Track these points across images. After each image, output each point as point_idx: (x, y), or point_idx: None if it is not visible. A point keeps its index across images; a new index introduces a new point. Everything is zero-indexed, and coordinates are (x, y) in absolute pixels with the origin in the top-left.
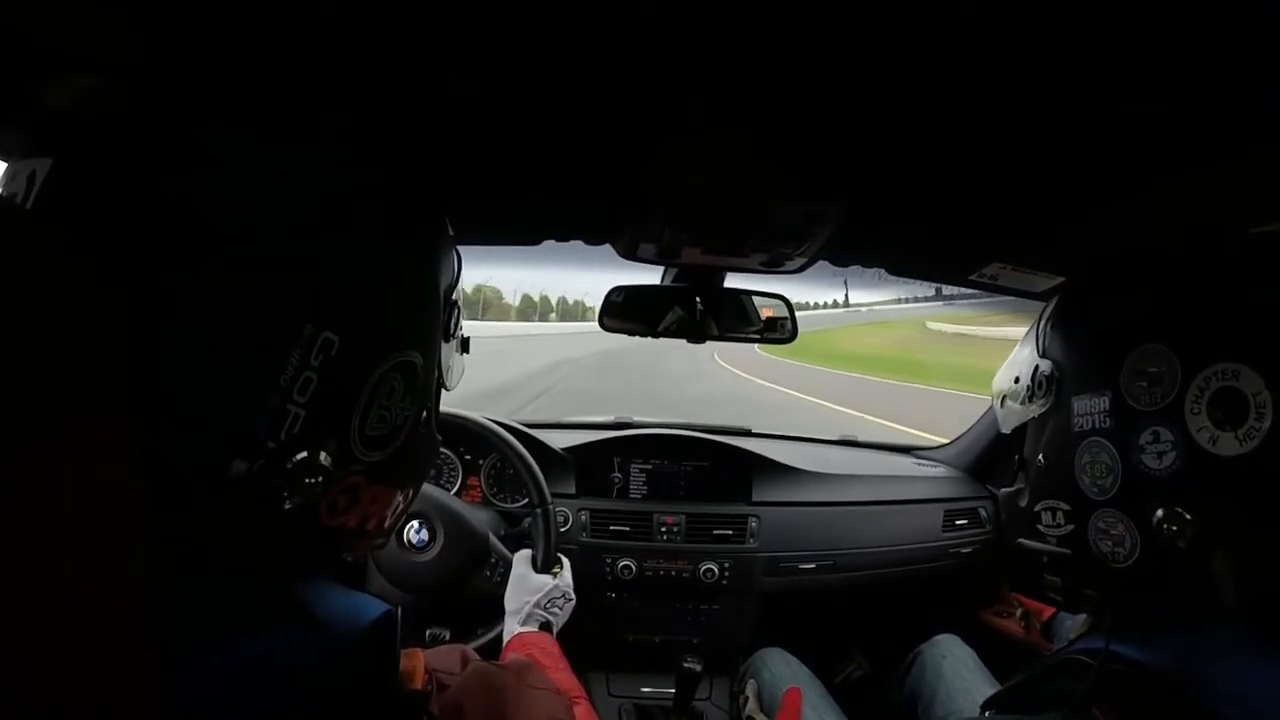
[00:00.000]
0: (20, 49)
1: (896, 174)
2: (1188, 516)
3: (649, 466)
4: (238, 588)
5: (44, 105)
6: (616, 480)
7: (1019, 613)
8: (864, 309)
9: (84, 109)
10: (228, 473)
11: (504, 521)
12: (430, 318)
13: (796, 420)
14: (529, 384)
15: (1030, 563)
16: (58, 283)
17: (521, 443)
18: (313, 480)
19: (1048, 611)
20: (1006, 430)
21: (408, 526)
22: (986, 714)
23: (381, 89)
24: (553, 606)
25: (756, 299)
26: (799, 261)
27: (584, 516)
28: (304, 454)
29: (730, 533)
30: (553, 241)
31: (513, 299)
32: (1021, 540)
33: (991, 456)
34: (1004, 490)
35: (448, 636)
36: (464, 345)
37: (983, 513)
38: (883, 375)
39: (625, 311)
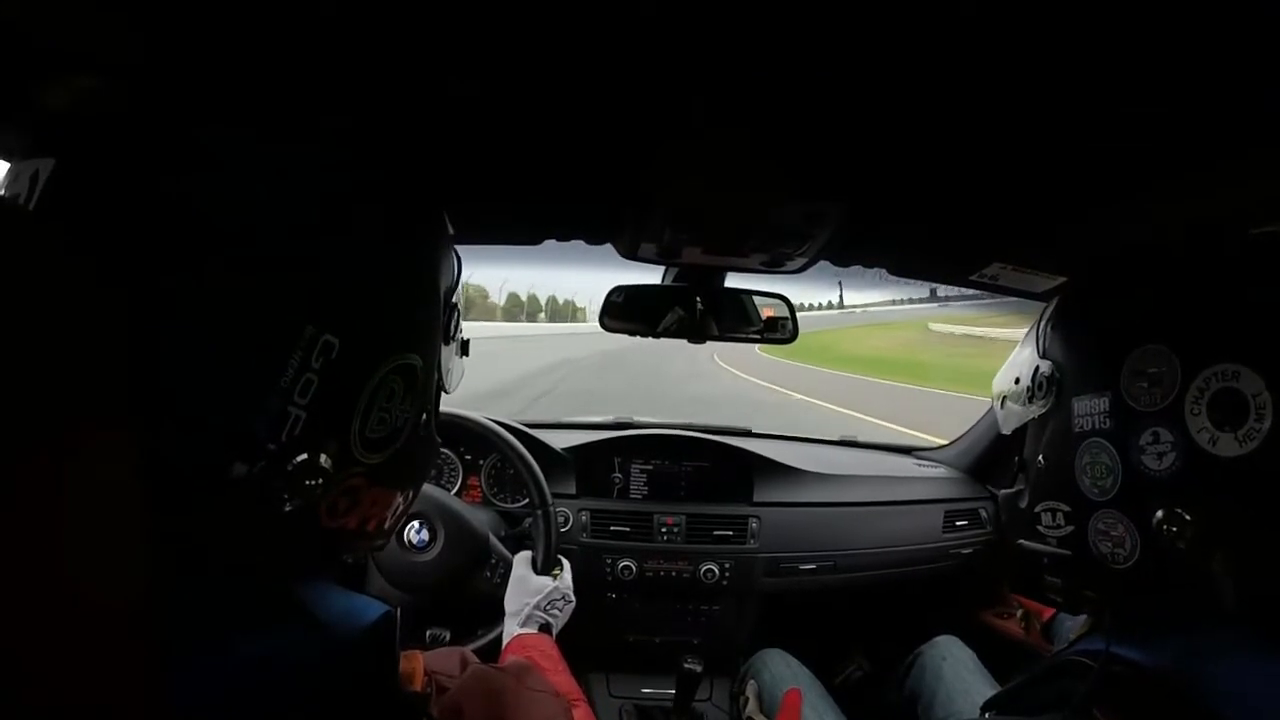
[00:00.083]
0: (20, 49)
1: (897, 174)
2: (1188, 517)
3: (649, 467)
4: (238, 588)
5: (45, 105)
6: (617, 480)
7: (1019, 614)
8: (858, 310)
9: (84, 109)
10: (228, 474)
11: (504, 522)
12: (430, 320)
13: (798, 420)
14: (524, 387)
15: (1030, 564)
16: (59, 283)
17: (522, 443)
18: (313, 482)
19: (1048, 612)
20: (1007, 431)
21: (408, 527)
22: (986, 715)
23: (381, 89)
24: (552, 608)
25: (757, 299)
26: (800, 261)
27: (584, 517)
28: (304, 456)
29: (731, 533)
30: (552, 241)
31: (498, 298)
32: (1022, 541)
33: (992, 457)
34: (1004, 491)
35: (448, 637)
36: (464, 348)
37: (983, 513)
38: (895, 379)
39: (625, 311)
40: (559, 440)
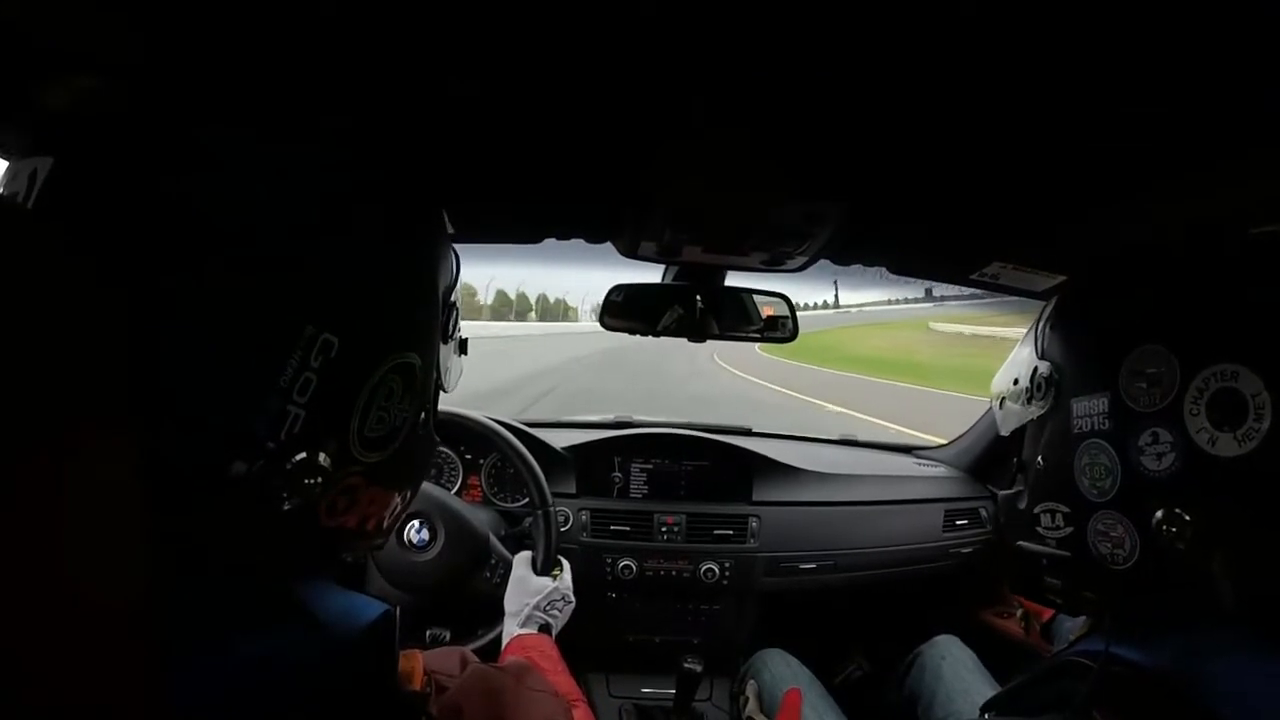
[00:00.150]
0: (20, 49)
1: (897, 174)
2: (1187, 518)
3: (649, 466)
4: (238, 588)
5: (44, 105)
6: (617, 480)
7: (1019, 613)
8: (854, 310)
9: (84, 109)
10: (227, 473)
11: (504, 521)
12: (429, 319)
13: (798, 419)
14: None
15: (1030, 565)
16: (58, 282)
17: (522, 442)
18: (312, 481)
19: (1048, 612)
20: (1005, 432)
21: (408, 526)
22: (986, 716)
23: (381, 89)
24: (552, 609)
25: (757, 298)
26: (800, 260)
27: (584, 516)
28: (303, 454)
29: (731, 533)
30: (551, 240)
31: (485, 296)
32: (1021, 543)
33: (992, 456)
34: (1003, 492)
35: (448, 637)
36: (462, 347)
37: (983, 513)
38: (899, 379)
39: (625, 310)
40: (559, 439)
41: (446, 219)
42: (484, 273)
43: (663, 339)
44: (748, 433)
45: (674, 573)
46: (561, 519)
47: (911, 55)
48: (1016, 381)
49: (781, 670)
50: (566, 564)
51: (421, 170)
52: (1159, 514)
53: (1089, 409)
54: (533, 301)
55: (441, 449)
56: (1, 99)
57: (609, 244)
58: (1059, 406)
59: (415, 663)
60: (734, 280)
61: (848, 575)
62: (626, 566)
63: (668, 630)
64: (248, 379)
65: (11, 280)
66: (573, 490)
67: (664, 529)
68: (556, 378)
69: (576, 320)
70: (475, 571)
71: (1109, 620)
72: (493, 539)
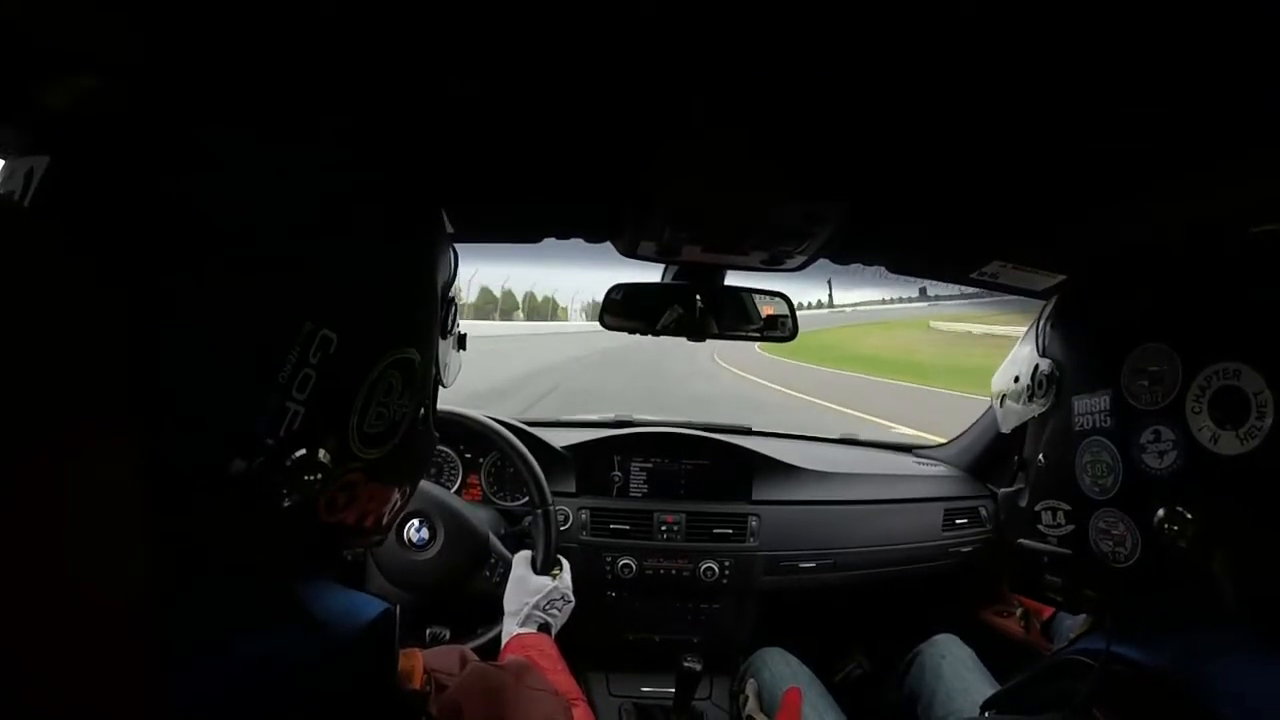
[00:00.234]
0: (20, 49)
1: (897, 174)
2: (1189, 516)
3: (649, 465)
4: (238, 588)
5: (44, 105)
6: (617, 479)
7: (1019, 612)
8: (848, 309)
9: (84, 109)
10: (227, 471)
11: (504, 520)
12: (428, 316)
13: (798, 419)
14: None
15: (1030, 563)
16: (58, 282)
17: (522, 441)
18: (311, 477)
19: (1047, 611)
20: (1006, 430)
21: (408, 525)
22: (986, 714)
23: (381, 89)
24: (552, 608)
25: (757, 297)
26: (800, 259)
27: (584, 515)
28: (303, 451)
29: (730, 531)
30: (551, 239)
31: (467, 294)
32: (1022, 541)
33: (992, 455)
34: (1003, 490)
35: (447, 636)
36: (461, 342)
37: (983, 512)
38: (901, 379)
39: (625, 309)
40: (559, 438)
41: (446, 219)
42: (467, 269)
43: (662, 339)
44: (747, 432)
45: (674, 572)
46: (561, 518)
47: (911, 55)
48: (1017, 379)
49: (781, 669)
50: (566, 563)
51: (421, 170)
52: (1160, 512)
53: (1090, 407)
54: (519, 299)
55: (441, 448)
56: (1, 99)
57: (605, 243)
58: (1060, 404)
59: (415, 661)
60: (733, 279)
61: (847, 574)
62: (626, 565)
63: (667, 629)
64: (247, 377)
65: (10, 279)
66: (572, 489)
67: (664, 528)
68: (557, 377)
69: (566, 320)
70: (475, 570)
71: (1110, 619)
72: (492, 538)
